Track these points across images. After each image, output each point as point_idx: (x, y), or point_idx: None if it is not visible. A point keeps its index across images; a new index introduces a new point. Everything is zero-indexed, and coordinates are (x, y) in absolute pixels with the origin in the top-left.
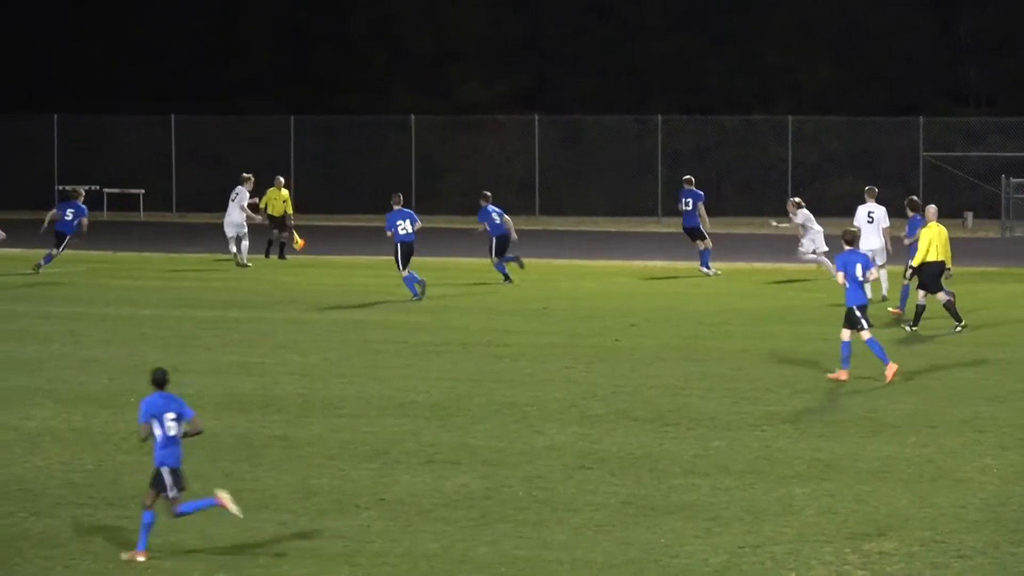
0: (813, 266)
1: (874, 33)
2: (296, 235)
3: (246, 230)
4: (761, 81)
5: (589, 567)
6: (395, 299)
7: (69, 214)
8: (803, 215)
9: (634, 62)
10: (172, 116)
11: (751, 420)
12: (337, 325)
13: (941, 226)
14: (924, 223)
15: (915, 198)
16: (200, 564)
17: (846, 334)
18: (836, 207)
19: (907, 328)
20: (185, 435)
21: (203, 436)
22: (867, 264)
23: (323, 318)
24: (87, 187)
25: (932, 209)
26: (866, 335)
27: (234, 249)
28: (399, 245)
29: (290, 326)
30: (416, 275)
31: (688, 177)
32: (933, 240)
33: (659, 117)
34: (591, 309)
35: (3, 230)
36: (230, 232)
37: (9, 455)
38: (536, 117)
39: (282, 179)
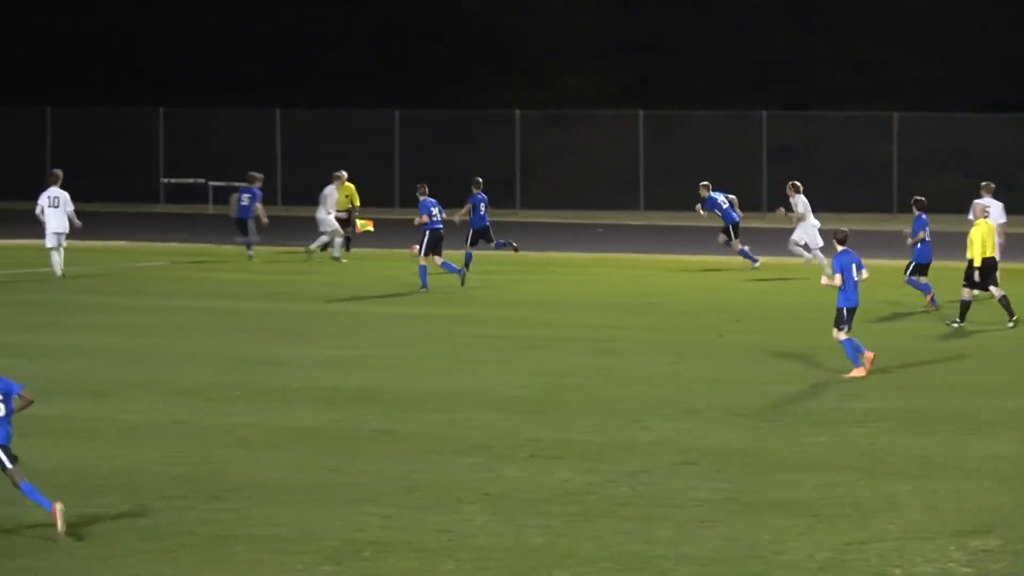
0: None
1: (978, 29)
2: (359, 222)
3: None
4: (864, 77)
5: (693, 563)
6: (495, 294)
7: (245, 199)
8: (802, 203)
9: (737, 57)
10: (277, 110)
11: (854, 416)
12: (437, 319)
13: (989, 222)
14: (972, 219)
15: (922, 199)
16: (303, 557)
17: (840, 334)
18: (939, 205)
19: (953, 325)
20: (20, 410)
21: (305, 430)
22: (860, 265)
23: (423, 312)
24: (193, 179)
25: (980, 205)
26: (842, 336)
27: (325, 243)
28: (428, 232)
29: (391, 320)
30: (453, 265)
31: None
32: (985, 237)
33: (763, 113)
34: (694, 304)
35: (106, 222)
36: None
37: (112, 448)
38: (639, 112)
39: (344, 173)
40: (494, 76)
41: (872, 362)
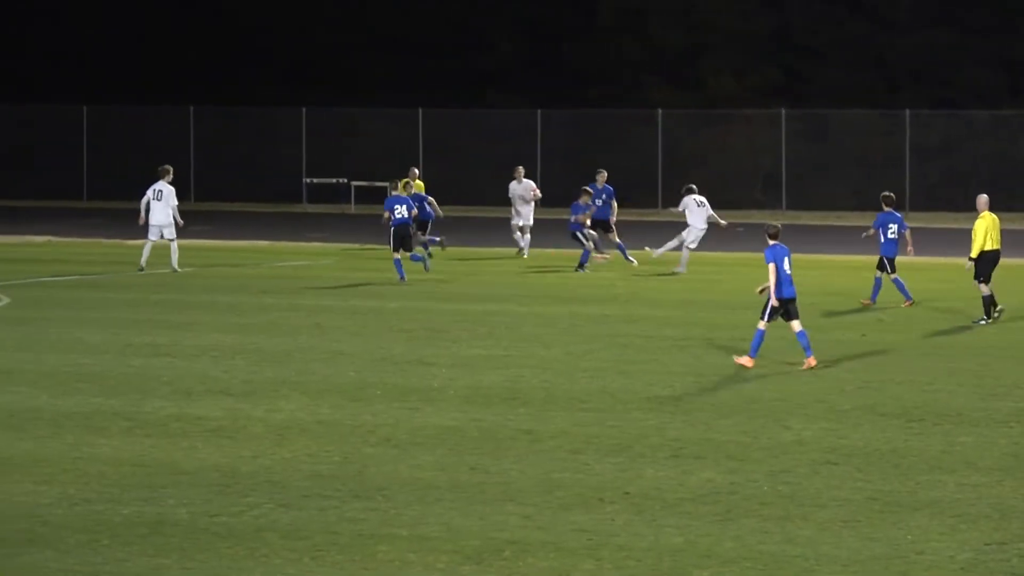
0: None
1: None
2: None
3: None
4: (1012, 75)
5: (834, 563)
6: (639, 293)
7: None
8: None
9: (882, 55)
10: (419, 109)
11: (998, 416)
12: (581, 319)
13: (993, 215)
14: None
15: (890, 194)
16: (444, 557)
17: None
18: None
19: (980, 322)
20: None
21: (448, 429)
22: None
23: (567, 311)
24: (335, 179)
25: (983, 199)
26: (762, 326)
27: (520, 241)
28: (393, 229)
29: (535, 319)
30: (418, 254)
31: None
32: (988, 230)
33: (907, 112)
34: (837, 304)
35: (248, 222)
36: (520, 221)
37: (257, 447)
38: (782, 111)
39: (416, 170)
40: (639, 75)
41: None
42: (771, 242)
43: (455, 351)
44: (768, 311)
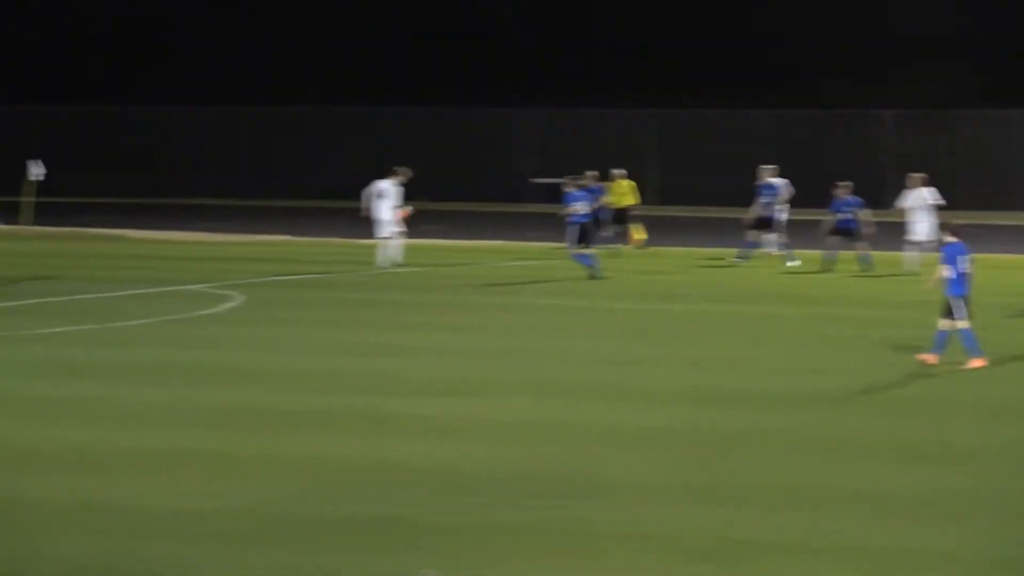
0: None
1: None
2: (634, 229)
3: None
4: None
5: None
6: (851, 293)
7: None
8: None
9: None
10: (651, 111)
11: None
12: (810, 320)
13: None
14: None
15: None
16: (675, 556)
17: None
18: None
19: None
20: None
21: (674, 429)
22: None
23: (796, 313)
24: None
25: None
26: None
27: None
28: (576, 225)
29: (762, 320)
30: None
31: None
32: None
33: None
34: None
35: (475, 221)
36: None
37: (485, 446)
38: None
39: (623, 171)
40: (863, 75)
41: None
42: (951, 240)
43: (680, 351)
44: (950, 309)
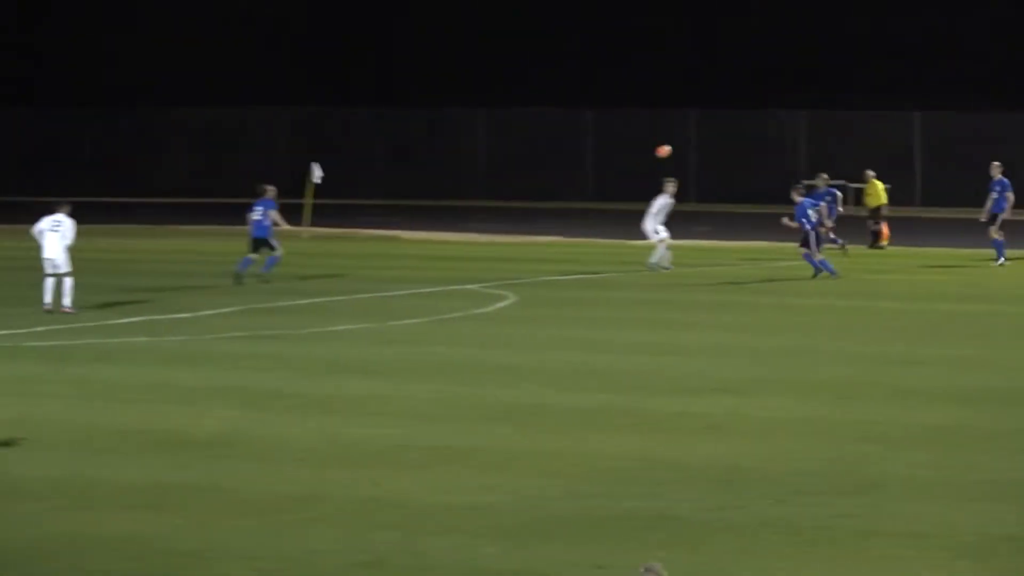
0: None
1: None
2: (884, 227)
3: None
4: None
5: None
6: None
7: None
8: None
9: None
10: (916, 113)
11: None
12: None
13: None
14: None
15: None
16: (939, 553)
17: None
18: None
19: None
20: None
21: (942, 428)
22: None
23: None
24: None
25: None
26: None
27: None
28: (810, 231)
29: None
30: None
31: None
32: None
33: None
34: None
35: (747, 223)
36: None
37: (754, 443)
38: None
39: (872, 172)
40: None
41: None
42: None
43: (940, 350)
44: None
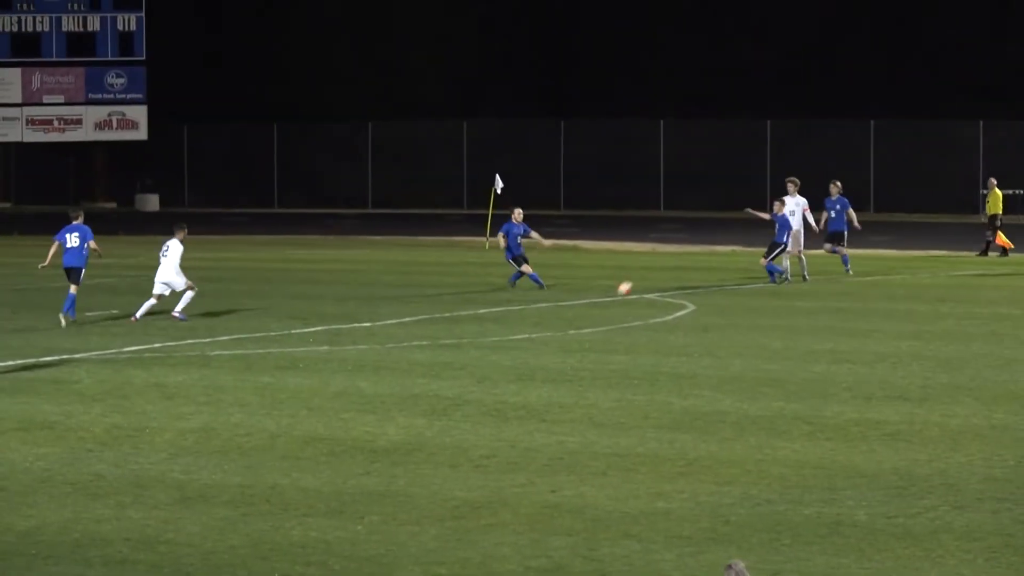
0: None
1: None
2: (1000, 235)
3: None
4: None
5: None
6: None
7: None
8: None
9: None
10: None
11: None
12: None
13: None
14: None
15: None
16: None
17: None
18: None
19: None
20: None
21: None
22: None
23: None
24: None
25: None
26: None
27: None
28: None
29: None
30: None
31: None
32: None
33: None
34: None
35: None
36: None
37: (933, 450)
38: None
39: (994, 180)
40: None
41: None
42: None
43: None
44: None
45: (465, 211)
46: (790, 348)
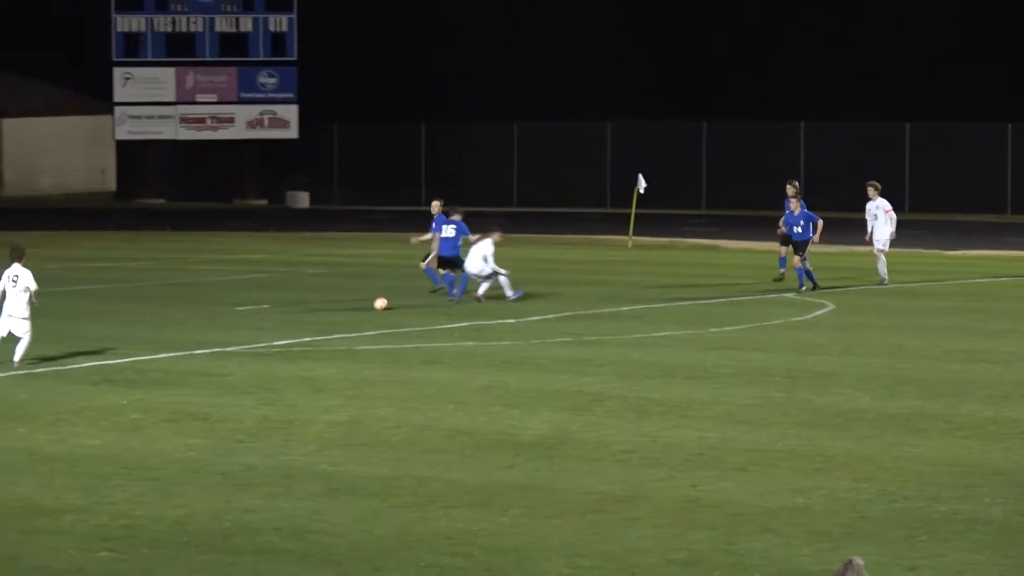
0: None
1: None
2: None
3: None
4: None
5: None
6: None
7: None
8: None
9: None
10: None
11: None
12: None
13: None
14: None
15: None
16: None
17: None
18: None
19: None
20: None
21: None
22: None
23: None
24: None
25: None
26: None
27: None
28: None
29: None
30: None
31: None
32: None
33: None
34: None
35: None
36: None
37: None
38: None
39: None
40: None
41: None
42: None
43: None
44: None
45: (608, 210)
46: (926, 347)
